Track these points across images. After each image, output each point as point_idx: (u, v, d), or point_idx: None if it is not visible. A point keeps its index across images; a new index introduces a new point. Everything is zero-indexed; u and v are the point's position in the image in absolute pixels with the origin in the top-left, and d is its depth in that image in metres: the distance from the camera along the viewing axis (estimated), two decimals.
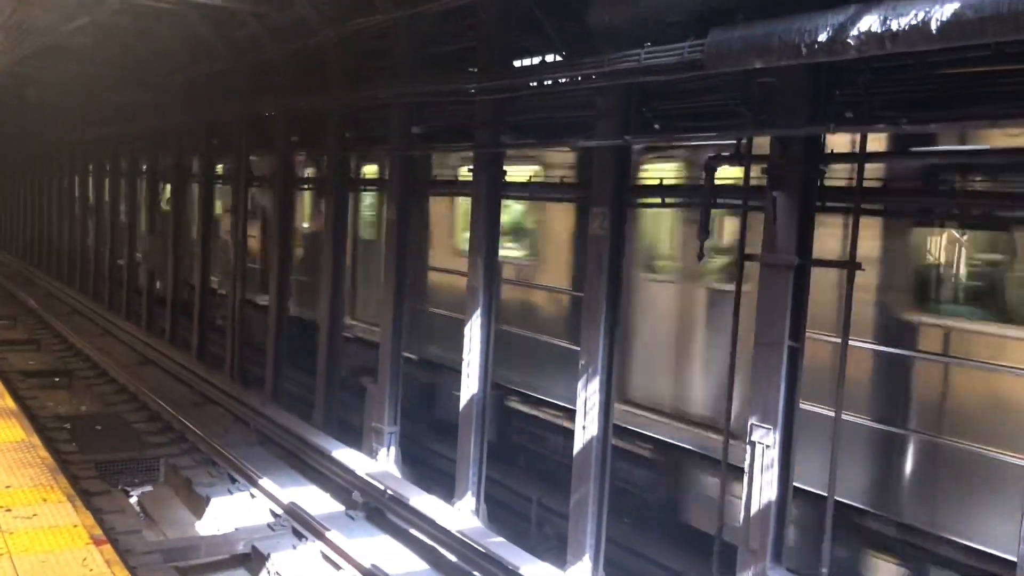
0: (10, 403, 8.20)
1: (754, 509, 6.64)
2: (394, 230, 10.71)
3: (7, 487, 5.98)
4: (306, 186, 15.11)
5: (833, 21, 5.28)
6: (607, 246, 7.78)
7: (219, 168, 17.09)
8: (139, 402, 14.68)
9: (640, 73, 6.89)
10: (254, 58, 13.32)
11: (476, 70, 9.44)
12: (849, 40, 5.19)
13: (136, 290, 20.55)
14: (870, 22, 5.07)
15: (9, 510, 5.60)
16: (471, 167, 9.49)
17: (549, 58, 9.83)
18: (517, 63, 9.81)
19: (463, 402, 9.40)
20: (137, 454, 12.09)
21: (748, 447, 6.65)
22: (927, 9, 4.77)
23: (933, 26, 4.77)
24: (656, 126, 7.97)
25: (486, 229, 9.25)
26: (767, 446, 6.54)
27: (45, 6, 11.41)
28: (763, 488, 6.58)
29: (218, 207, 17.61)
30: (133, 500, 10.84)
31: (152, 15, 12.72)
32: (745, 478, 6.70)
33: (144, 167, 20.48)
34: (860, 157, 6.42)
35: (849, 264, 6.39)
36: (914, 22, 4.85)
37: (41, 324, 21.53)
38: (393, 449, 10.67)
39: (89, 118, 22.70)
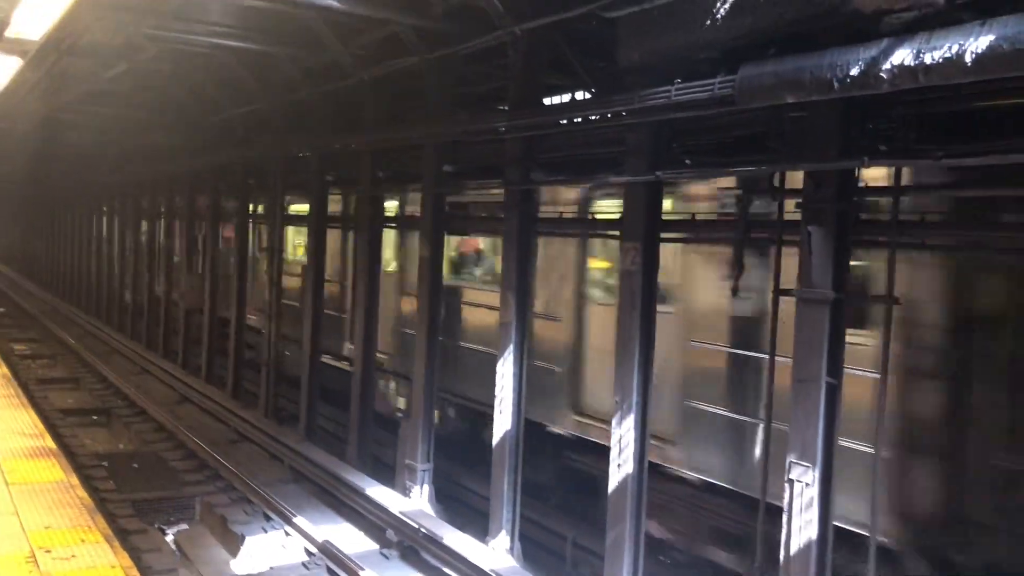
0: (50, 443, 8.29)
1: (794, 549, 6.51)
2: (426, 266, 10.75)
3: (47, 527, 6.04)
4: (338, 224, 15.26)
5: (865, 55, 5.26)
6: (639, 282, 7.74)
7: (255, 207, 17.33)
8: (176, 440, 14.80)
9: (671, 109, 6.90)
10: (289, 99, 13.54)
11: (507, 108, 9.51)
12: (882, 74, 5.16)
13: (174, 329, 20.80)
14: (903, 55, 5.05)
15: (48, 551, 5.65)
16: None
17: (579, 95, 9.90)
18: (547, 101, 9.88)
19: (495, 439, 9.35)
20: (173, 492, 12.15)
21: (787, 485, 6.54)
22: (961, 42, 4.74)
23: (968, 58, 4.73)
24: (687, 161, 7.97)
25: (517, 265, 9.25)
26: (806, 484, 6.42)
27: (85, 54, 11.71)
28: (803, 527, 6.45)
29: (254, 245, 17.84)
30: (169, 539, 10.89)
31: (189, 59, 13.00)
32: (784, 517, 6.58)
33: (182, 207, 20.83)
34: (895, 191, 6.36)
35: (887, 299, 6.31)
36: (948, 55, 4.81)
37: (81, 362, 21.85)
38: (426, 487, 10.63)
39: (128, 160, 23.19)
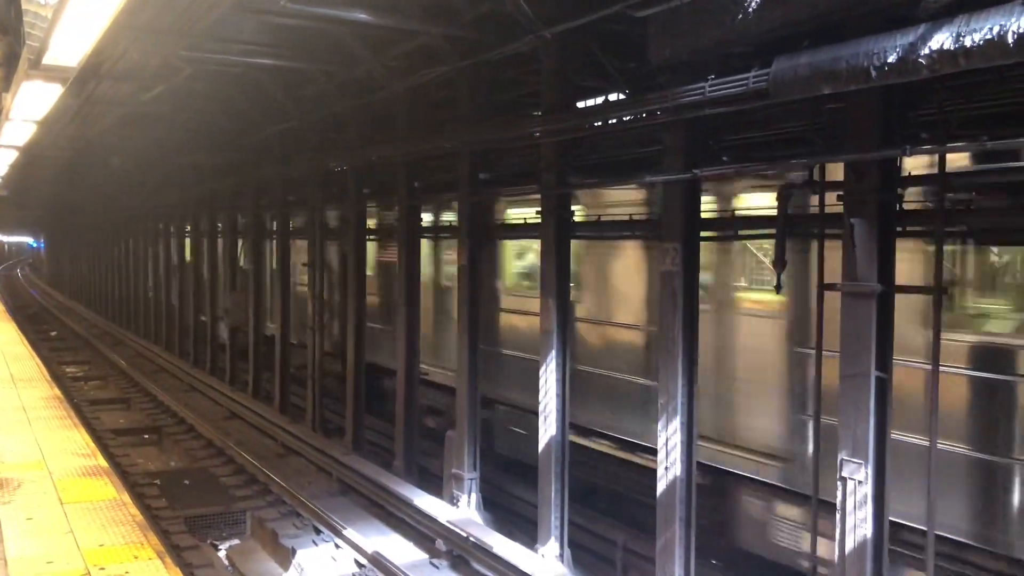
0: (102, 462, 8.39)
1: (848, 547, 6.38)
2: (465, 275, 10.76)
3: (100, 545, 6.11)
4: (376, 236, 15.36)
5: (902, 41, 5.15)
6: (680, 282, 7.66)
7: (294, 223, 17.52)
8: (225, 456, 14.97)
9: (705, 105, 6.82)
10: (324, 114, 13.66)
11: (540, 114, 9.49)
12: (920, 60, 5.05)
13: (220, 347, 21.07)
14: (942, 39, 4.93)
15: (103, 568, 5.71)
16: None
17: (612, 97, 9.83)
18: (580, 104, 9.84)
19: (541, 446, 9.31)
20: (224, 508, 12.28)
21: (839, 483, 6.41)
22: (1003, 23, 4.61)
23: (1010, 39, 4.60)
24: (724, 158, 7.88)
25: (556, 271, 9.22)
26: (859, 481, 6.29)
27: (123, 78, 11.92)
28: (857, 525, 6.32)
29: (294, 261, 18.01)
30: (221, 554, 10.99)
31: (224, 79, 13.17)
32: (837, 515, 6.45)
33: (222, 225, 21.12)
34: (940, 178, 6.22)
35: (935, 289, 6.17)
36: (989, 36, 4.69)
37: (130, 383, 22.22)
38: (474, 495, 10.62)
39: (170, 181, 23.57)
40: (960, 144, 6.11)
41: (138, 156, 22.48)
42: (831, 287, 6.64)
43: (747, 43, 6.42)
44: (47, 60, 6.79)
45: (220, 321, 19.56)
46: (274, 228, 17.68)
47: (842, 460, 6.38)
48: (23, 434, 9.24)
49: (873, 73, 5.32)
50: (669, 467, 7.73)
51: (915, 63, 5.09)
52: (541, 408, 9.30)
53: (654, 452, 8.01)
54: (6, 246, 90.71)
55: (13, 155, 17.98)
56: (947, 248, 6.94)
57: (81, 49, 6.75)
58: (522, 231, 11.61)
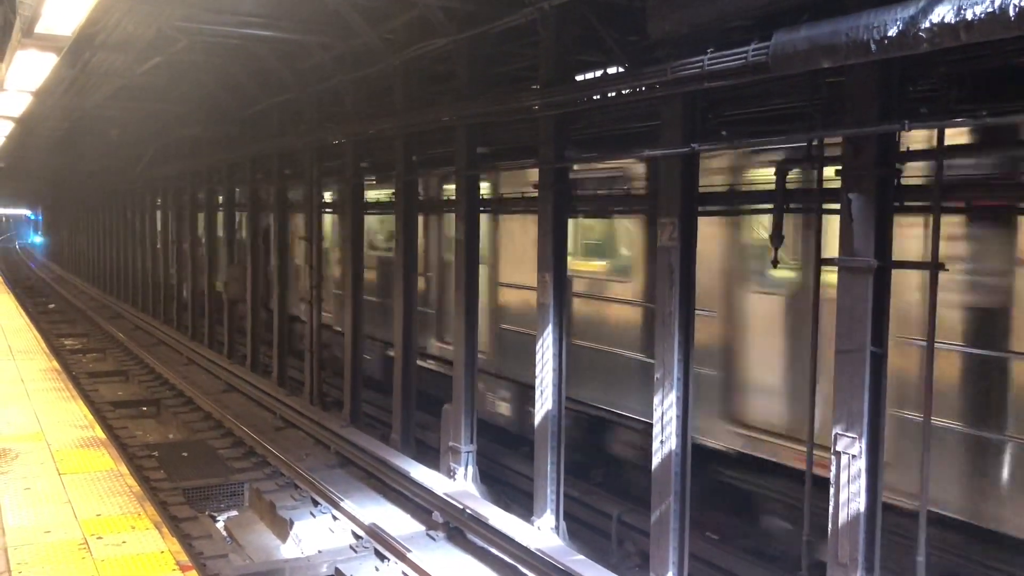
0: (100, 433, 8.43)
1: (842, 520, 6.42)
2: (462, 249, 10.75)
3: (97, 515, 6.15)
4: (374, 210, 15.32)
5: (903, 14, 5.11)
6: (677, 257, 7.65)
7: (292, 196, 17.46)
8: (224, 428, 15.02)
9: (704, 79, 6.78)
10: (321, 87, 13.58)
11: (538, 87, 9.44)
12: (921, 33, 5.01)
13: (218, 319, 21.09)
14: (943, 12, 4.89)
15: (100, 537, 5.75)
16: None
17: (611, 71, 9.78)
18: (579, 78, 9.78)
19: (538, 420, 9.34)
20: (223, 480, 12.34)
21: (833, 458, 6.44)
22: None
23: (1011, 12, 4.57)
24: (723, 132, 7.85)
25: (554, 246, 9.20)
26: (853, 456, 6.32)
27: (119, 49, 11.82)
28: (850, 499, 6.36)
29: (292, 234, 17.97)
30: (220, 525, 11.07)
31: (221, 50, 13.08)
32: (831, 489, 6.49)
33: (221, 198, 21.07)
34: (938, 153, 6.19)
35: (932, 265, 6.17)
36: (991, 9, 4.65)
37: (129, 355, 22.26)
38: (471, 468, 10.67)
39: (168, 154, 23.49)
40: (960, 120, 6.08)
41: (135, 128, 22.38)
42: (829, 262, 6.64)
43: (747, 17, 6.39)
44: (40, 29, 6.73)
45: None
46: (271, 201, 17.62)
47: (836, 435, 6.41)
48: (22, 405, 9.27)
49: (873, 47, 5.29)
50: (664, 441, 7.76)
51: (916, 37, 5.05)
52: (537, 382, 9.33)
53: None
54: (3, 218, 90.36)
55: (9, 126, 17.85)
56: None
57: (75, 18, 6.68)
58: (521, 205, 11.59)
